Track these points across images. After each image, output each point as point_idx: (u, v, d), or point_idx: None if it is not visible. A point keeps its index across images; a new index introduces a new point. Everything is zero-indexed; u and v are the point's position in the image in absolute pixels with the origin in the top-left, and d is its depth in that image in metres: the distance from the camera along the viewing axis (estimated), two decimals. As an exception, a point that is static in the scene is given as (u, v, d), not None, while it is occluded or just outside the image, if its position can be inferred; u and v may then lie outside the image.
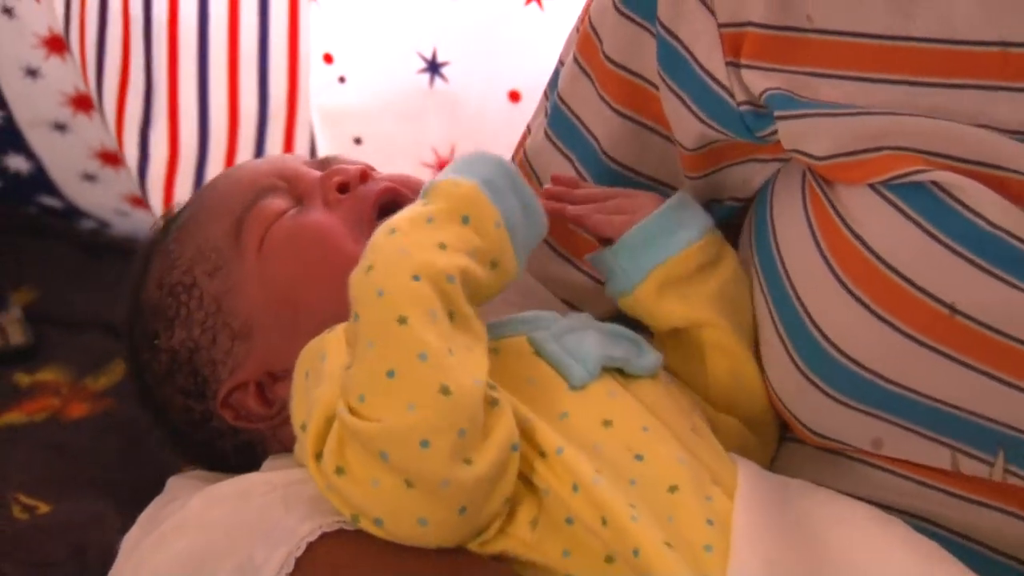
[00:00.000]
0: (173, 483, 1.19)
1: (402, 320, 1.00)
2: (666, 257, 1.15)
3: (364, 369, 1.01)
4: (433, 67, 2.23)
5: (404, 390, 0.99)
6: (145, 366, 1.21)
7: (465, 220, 1.06)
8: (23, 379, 2.04)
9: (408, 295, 1.01)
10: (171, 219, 1.25)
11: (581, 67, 1.25)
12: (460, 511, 1.00)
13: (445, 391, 0.98)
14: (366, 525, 1.02)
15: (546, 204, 1.15)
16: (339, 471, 1.00)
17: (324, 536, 1.04)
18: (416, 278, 1.01)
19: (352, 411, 0.99)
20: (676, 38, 1.17)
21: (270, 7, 2.25)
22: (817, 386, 1.11)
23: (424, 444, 0.97)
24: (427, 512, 1.00)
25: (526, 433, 1.04)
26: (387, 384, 0.99)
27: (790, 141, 1.13)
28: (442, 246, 1.03)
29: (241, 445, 1.18)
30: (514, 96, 2.24)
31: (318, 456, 1.02)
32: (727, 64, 1.15)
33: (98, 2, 2.30)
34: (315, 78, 2.29)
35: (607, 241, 1.18)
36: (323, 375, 1.05)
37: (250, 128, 2.31)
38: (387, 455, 0.97)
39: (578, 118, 1.24)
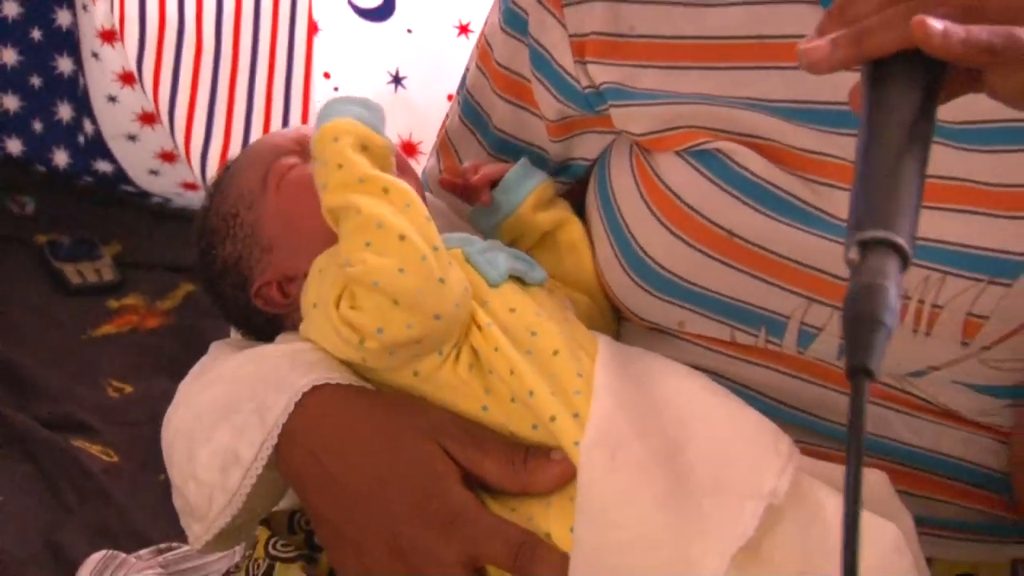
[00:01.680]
0: (214, 346, 1.19)
1: (358, 211, 1.05)
2: (533, 186, 1.17)
3: (349, 245, 1.04)
4: (396, 80, 2.28)
5: (387, 247, 1.03)
6: (208, 267, 1.20)
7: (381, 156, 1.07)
8: (113, 304, 2.17)
9: (353, 203, 1.05)
10: (225, 170, 1.22)
11: (480, 69, 1.23)
12: (435, 317, 1.03)
13: (402, 238, 1.02)
14: (370, 342, 1.04)
15: (460, 174, 1.18)
16: (352, 307, 1.03)
17: (316, 387, 1.04)
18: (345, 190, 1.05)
19: (348, 265, 1.02)
20: (541, 46, 1.16)
21: (295, 41, 2.27)
22: (639, 285, 1.11)
23: (401, 272, 1.01)
24: (411, 319, 1.02)
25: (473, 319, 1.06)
26: (363, 251, 1.02)
27: (619, 123, 1.13)
28: (386, 191, 1.05)
29: (267, 321, 1.16)
30: (450, 98, 2.27)
31: (337, 305, 1.05)
32: (575, 62, 1.14)
33: (175, 38, 2.30)
34: (318, 88, 2.34)
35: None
36: (326, 274, 1.08)
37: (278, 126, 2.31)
38: (378, 283, 1.02)
39: (479, 104, 1.24)
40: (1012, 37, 0.76)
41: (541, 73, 1.15)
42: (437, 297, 1.02)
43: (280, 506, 1.16)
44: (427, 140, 2.16)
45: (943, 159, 0.86)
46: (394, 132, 2.16)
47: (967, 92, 0.83)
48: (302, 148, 1.17)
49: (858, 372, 0.67)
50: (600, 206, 1.14)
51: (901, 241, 0.72)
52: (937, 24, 0.75)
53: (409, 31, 2.22)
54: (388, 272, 1.02)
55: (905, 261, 0.71)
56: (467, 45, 2.08)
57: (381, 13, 2.22)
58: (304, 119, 2.35)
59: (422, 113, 2.21)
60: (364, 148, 1.07)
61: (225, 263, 1.17)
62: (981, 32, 0.76)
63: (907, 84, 0.80)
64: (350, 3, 2.23)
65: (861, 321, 0.70)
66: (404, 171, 1.13)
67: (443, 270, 1.03)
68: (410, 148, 2.19)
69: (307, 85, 2.31)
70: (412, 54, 2.24)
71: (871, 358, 0.68)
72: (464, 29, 2.17)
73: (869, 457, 0.96)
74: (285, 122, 2.33)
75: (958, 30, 0.75)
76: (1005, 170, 0.99)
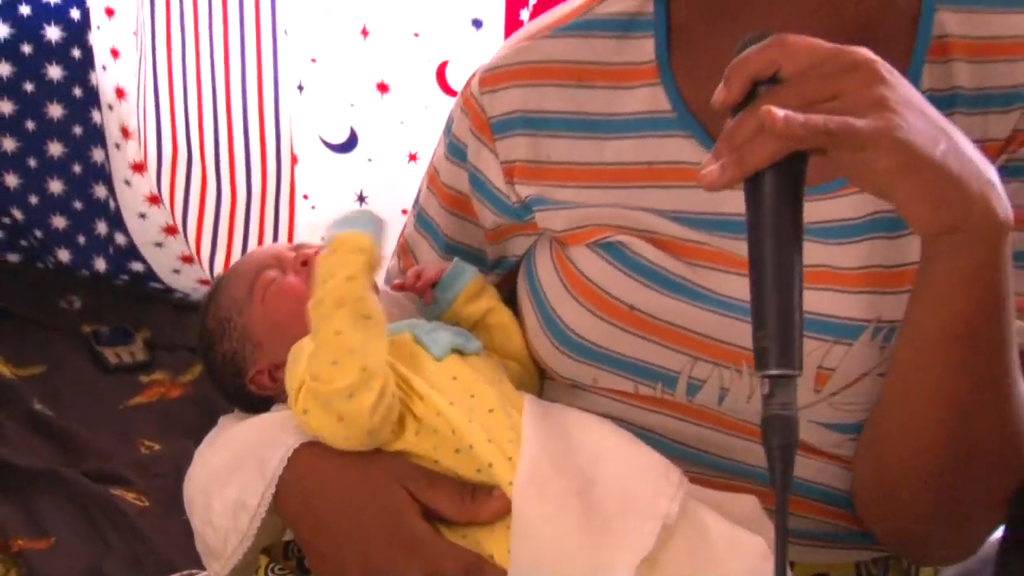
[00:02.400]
0: (223, 419, 1.17)
1: (338, 332, 1.03)
2: (464, 284, 1.16)
3: (318, 359, 1.02)
4: (360, 199, 2.25)
5: (348, 371, 1.01)
6: (210, 360, 1.18)
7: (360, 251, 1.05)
8: (144, 379, 2.16)
9: (340, 317, 1.03)
10: (218, 282, 1.22)
11: (430, 189, 1.22)
12: (368, 433, 1.02)
13: (363, 369, 1.01)
14: (319, 438, 1.04)
15: (411, 278, 1.17)
16: (305, 412, 1.03)
17: (303, 445, 1.05)
18: (340, 304, 1.03)
19: (313, 379, 1.01)
20: (479, 171, 1.15)
21: (281, 169, 2.29)
22: (559, 350, 1.10)
23: (351, 396, 1.00)
24: (349, 433, 1.02)
25: (409, 383, 1.05)
26: (330, 368, 1.01)
27: (542, 223, 1.12)
28: (350, 278, 1.04)
29: (261, 400, 1.15)
30: (404, 212, 2.02)
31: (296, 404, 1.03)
32: (506, 183, 1.13)
33: (186, 169, 2.32)
34: (300, 206, 2.34)
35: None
36: (299, 362, 1.04)
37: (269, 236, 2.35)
38: (331, 403, 1.01)
39: (430, 216, 1.22)
40: (845, 122, 0.78)
41: (479, 192, 1.15)
42: (376, 422, 1.02)
43: (276, 538, 1.17)
44: (389, 247, 2.11)
45: (810, 251, 0.85)
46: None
47: (823, 180, 0.88)
48: (280, 263, 1.17)
49: (787, 487, 0.75)
50: (528, 289, 1.14)
51: (798, 372, 0.77)
52: (780, 112, 0.77)
53: (369, 160, 2.23)
54: (341, 395, 1.01)
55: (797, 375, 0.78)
56: (416, 169, 2.16)
57: (347, 147, 2.23)
58: (290, 230, 2.34)
59: (384, 224, 2.18)
60: (372, 268, 1.07)
61: (223, 358, 1.17)
62: (818, 118, 0.78)
63: (778, 180, 0.81)
64: (322, 139, 2.23)
65: (784, 448, 0.76)
66: None
67: (386, 397, 1.02)
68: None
69: (292, 203, 2.32)
70: (372, 178, 2.24)
71: (791, 477, 0.75)
72: (413, 157, 2.18)
73: (743, 484, 1.01)
74: (276, 233, 2.33)
75: (798, 116, 0.77)
76: (851, 257, 1.00)
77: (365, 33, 2.11)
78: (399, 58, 2.10)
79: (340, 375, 1.01)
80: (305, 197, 2.30)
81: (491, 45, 1.99)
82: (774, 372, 0.78)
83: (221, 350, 1.17)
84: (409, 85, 2.11)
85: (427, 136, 2.14)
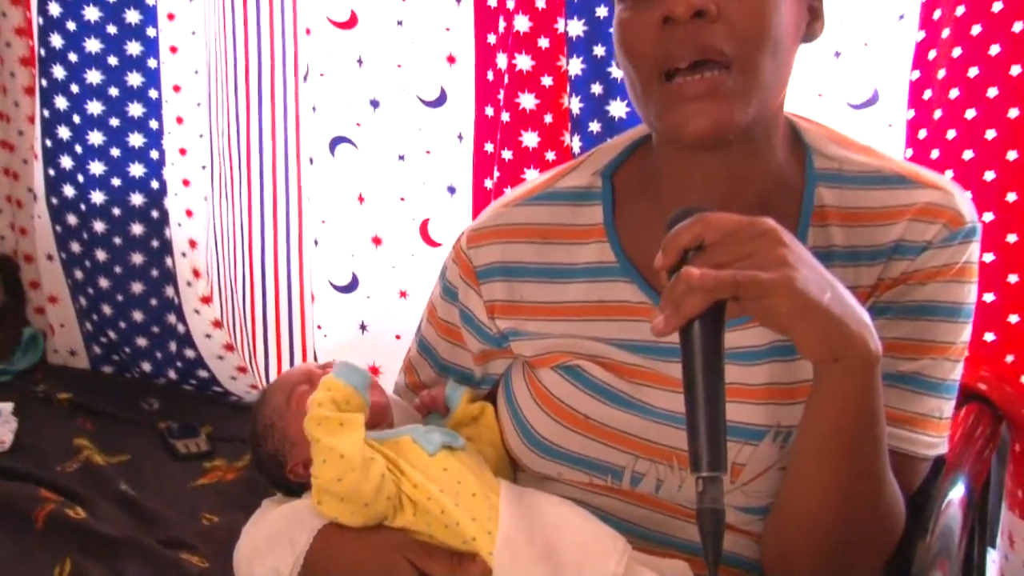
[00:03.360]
0: (265, 502, 1.15)
1: (318, 441, 1.02)
2: (461, 395, 1.13)
3: (314, 463, 1.01)
4: (363, 327, 2.17)
5: (332, 463, 1.00)
6: (258, 455, 1.17)
7: (347, 402, 1.06)
8: (207, 465, 2.11)
9: (319, 433, 1.03)
10: (264, 394, 1.20)
11: (429, 322, 1.18)
12: (365, 505, 1.00)
13: (341, 457, 1.00)
14: (334, 519, 1.03)
15: (429, 402, 1.15)
16: (319, 503, 1.01)
17: (324, 527, 1.03)
18: (318, 424, 1.03)
19: (315, 477, 1.01)
20: (467, 308, 1.12)
21: (304, 307, 2.27)
22: (529, 449, 1.08)
23: (339, 480, 0.99)
24: (352, 507, 1.01)
25: (407, 475, 1.04)
26: (322, 466, 1.00)
27: (516, 351, 1.10)
28: (320, 404, 1.04)
29: (297, 485, 1.13)
30: (398, 337, 2.17)
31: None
32: (488, 318, 1.11)
33: (243, 306, 2.29)
34: (316, 335, 2.30)
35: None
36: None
37: (298, 357, 2.34)
38: (329, 490, 1.00)
39: (429, 343, 1.18)
40: (753, 275, 0.79)
41: (467, 325, 1.13)
42: (363, 492, 1.00)
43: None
44: (386, 365, 2.15)
45: (728, 371, 0.85)
46: (364, 358, 2.18)
47: (736, 316, 0.84)
48: (310, 379, 1.14)
49: (717, 562, 0.77)
50: (506, 401, 1.12)
51: (724, 473, 0.78)
52: (697, 272, 0.79)
53: (368, 297, 2.20)
54: (333, 482, 1.00)
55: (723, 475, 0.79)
56: (406, 304, 2.15)
57: (350, 288, 2.20)
58: (303, 352, 2.32)
59: (382, 347, 2.17)
60: (347, 400, 1.06)
61: (268, 454, 1.15)
62: (728, 273, 0.79)
63: (705, 321, 0.81)
64: (330, 283, 2.22)
65: (716, 536, 0.78)
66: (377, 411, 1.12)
67: (366, 474, 1.01)
68: (374, 369, 2.14)
69: (303, 333, 2.31)
70: (371, 312, 2.21)
71: (720, 555, 0.78)
72: (403, 294, 2.15)
73: (675, 553, 1.01)
74: (301, 353, 2.31)
75: (711, 272, 0.79)
76: (756, 376, 0.99)
77: (361, 199, 2.10)
78: (390, 217, 2.09)
79: (329, 469, 1.01)
80: (319, 327, 2.28)
81: (463, 206, 2.01)
82: (706, 474, 0.78)
83: (266, 448, 1.16)
84: (398, 238, 2.11)
85: (414, 278, 2.13)
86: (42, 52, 2.28)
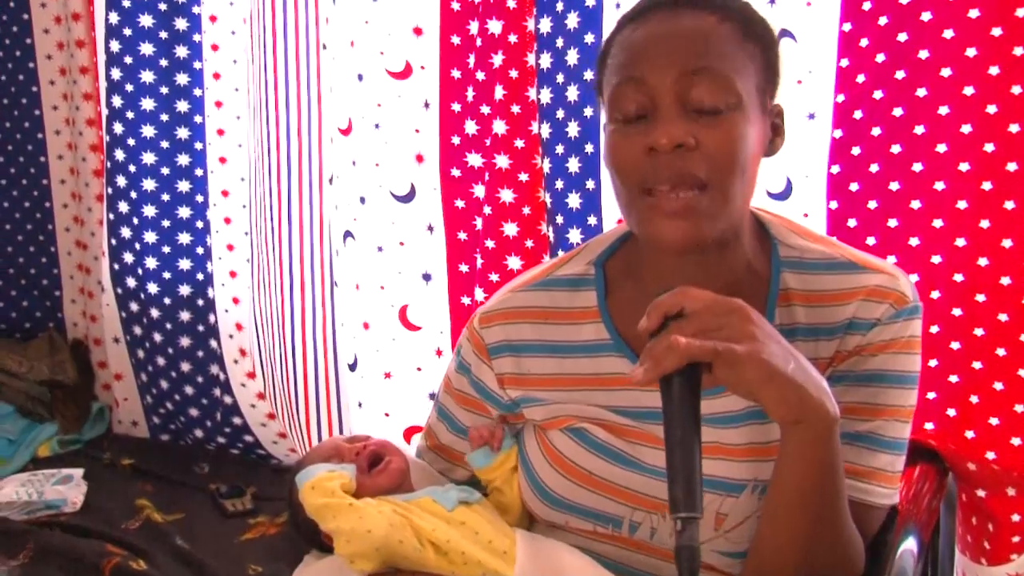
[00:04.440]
0: (307, 557, 1.14)
1: (323, 520, 1.01)
2: (495, 458, 1.10)
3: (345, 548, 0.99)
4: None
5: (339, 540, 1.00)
6: (295, 520, 1.16)
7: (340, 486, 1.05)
8: (252, 521, 2.07)
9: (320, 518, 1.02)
10: (298, 465, 1.18)
11: (447, 392, 1.16)
12: (376, 549, 0.98)
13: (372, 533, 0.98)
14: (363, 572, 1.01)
15: (487, 436, 1.12)
16: (352, 562, 0.99)
17: None
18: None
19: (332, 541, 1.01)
20: (480, 380, 1.11)
21: (340, 383, 2.23)
22: (541, 501, 1.06)
23: (348, 542, 0.99)
24: (361, 550, 0.98)
25: (425, 530, 1.01)
26: (338, 537, 1.00)
27: (527, 416, 1.09)
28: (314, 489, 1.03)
29: (330, 547, 1.05)
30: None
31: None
32: (500, 388, 1.10)
33: (280, 375, 2.26)
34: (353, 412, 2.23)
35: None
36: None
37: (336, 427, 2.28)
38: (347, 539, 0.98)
39: (448, 410, 1.16)
40: (728, 346, 0.80)
41: (480, 394, 1.13)
42: (370, 538, 0.99)
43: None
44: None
45: (708, 433, 0.86)
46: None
47: (713, 385, 0.84)
48: (339, 453, 1.14)
49: None
50: (520, 460, 1.11)
51: (699, 515, 0.78)
52: (681, 338, 0.81)
53: (362, 377, 2.17)
54: (353, 554, 1.00)
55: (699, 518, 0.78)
56: (390, 383, 2.12)
57: (353, 367, 2.17)
58: (330, 425, 2.27)
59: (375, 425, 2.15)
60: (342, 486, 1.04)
61: (304, 520, 1.12)
62: (711, 343, 0.80)
63: (683, 382, 0.82)
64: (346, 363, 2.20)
65: (692, 571, 0.76)
66: (380, 472, 1.10)
67: (370, 525, 0.99)
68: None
69: (307, 410, 2.28)
70: (365, 391, 2.18)
71: None
72: (388, 375, 2.11)
73: None
74: (340, 427, 2.27)
75: (694, 340, 0.81)
76: (735, 436, 0.98)
77: (358, 287, 2.10)
78: (374, 304, 2.08)
79: (340, 543, 1.00)
80: (359, 404, 2.25)
81: (438, 292, 1.99)
82: (683, 515, 0.78)
83: (302, 516, 1.13)
84: (382, 324, 2.08)
85: (396, 359, 2.10)
86: (108, 164, 2.31)
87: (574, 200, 1.72)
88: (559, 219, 1.74)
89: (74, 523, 2.01)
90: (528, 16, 1.70)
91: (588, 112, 1.69)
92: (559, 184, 1.73)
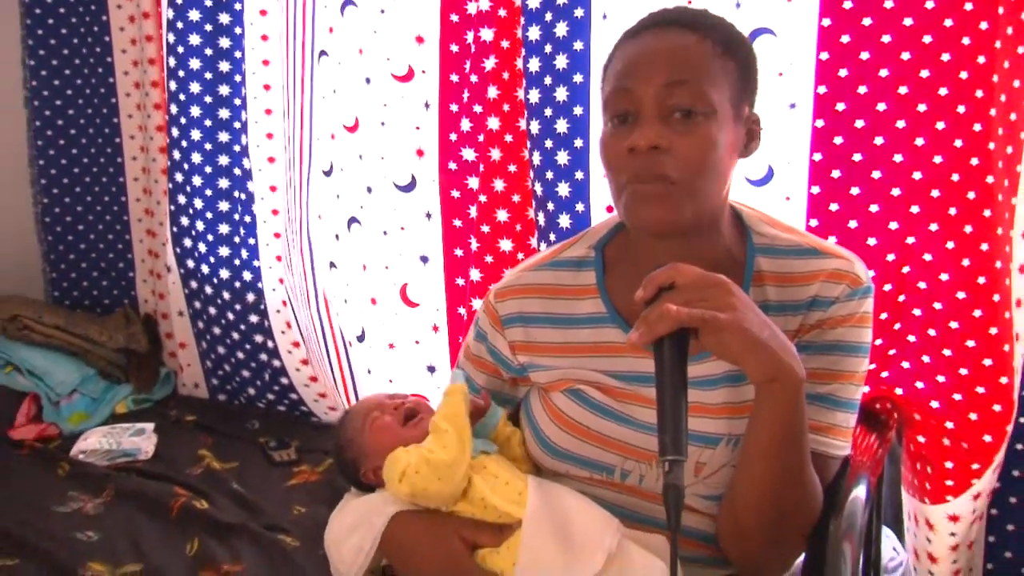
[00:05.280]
0: (347, 495, 1.14)
1: (441, 433, 1.00)
2: (501, 414, 1.10)
3: (442, 452, 0.99)
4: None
5: (445, 451, 0.99)
6: (339, 461, 1.15)
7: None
8: (296, 469, 2.07)
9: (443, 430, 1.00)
10: (344, 417, 1.18)
11: (466, 356, 1.15)
12: (451, 497, 0.99)
13: (439, 462, 0.99)
14: (415, 499, 1.01)
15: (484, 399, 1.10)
16: (416, 472, 0.98)
17: (397, 513, 1.02)
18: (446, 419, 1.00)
19: (429, 452, 0.99)
20: (495, 347, 1.10)
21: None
22: (544, 452, 1.05)
23: (449, 467, 0.98)
24: (438, 491, 0.99)
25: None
26: (441, 450, 0.99)
27: (533, 378, 1.08)
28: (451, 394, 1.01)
29: (368, 486, 1.11)
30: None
31: (400, 479, 1.01)
32: (512, 354, 1.09)
33: (323, 354, 2.32)
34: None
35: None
36: (396, 462, 1.02)
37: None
38: (437, 470, 0.98)
39: (467, 373, 1.13)
40: (714, 315, 0.82)
41: (495, 359, 1.13)
42: (455, 483, 1.00)
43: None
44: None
45: (689, 394, 0.87)
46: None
47: (698, 351, 0.87)
48: (380, 408, 1.14)
49: (677, 529, 0.78)
50: (526, 417, 1.12)
51: (684, 458, 0.80)
52: (673, 306, 0.82)
53: (371, 347, 2.16)
54: (442, 463, 1.00)
55: (684, 461, 0.80)
56: (394, 353, 2.11)
57: (361, 338, 2.15)
58: (345, 390, 2.26)
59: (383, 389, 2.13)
60: (465, 396, 1.04)
61: (348, 461, 1.14)
62: (697, 311, 0.82)
63: (673, 344, 0.83)
64: (343, 336, 2.19)
65: (677, 500, 0.78)
66: (415, 426, 1.11)
67: (457, 468, 1.00)
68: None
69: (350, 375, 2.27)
70: (373, 360, 2.17)
71: (679, 519, 0.78)
72: (392, 346, 2.12)
73: (654, 529, 1.00)
74: (355, 391, 2.27)
75: (684, 308, 0.82)
76: (714, 397, 0.99)
77: (364, 267, 2.10)
78: (379, 283, 2.08)
79: (445, 454, 1.00)
80: (368, 372, 2.25)
81: (435, 273, 1.99)
82: (671, 458, 0.80)
83: (346, 457, 1.15)
84: (386, 301, 2.08)
85: (398, 333, 2.10)
86: (169, 163, 2.32)
87: (564, 189, 1.69)
88: (550, 206, 1.71)
89: (147, 469, 2.04)
90: (517, 25, 1.68)
91: (578, 111, 1.65)
92: (549, 175, 1.70)
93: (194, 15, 2.17)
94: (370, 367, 2.16)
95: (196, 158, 2.30)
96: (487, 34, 1.71)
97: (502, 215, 1.77)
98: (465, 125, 1.80)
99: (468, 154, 1.82)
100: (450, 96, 1.83)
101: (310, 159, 2.08)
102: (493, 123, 1.73)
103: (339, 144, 2.03)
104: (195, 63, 2.21)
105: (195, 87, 2.22)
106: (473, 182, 1.82)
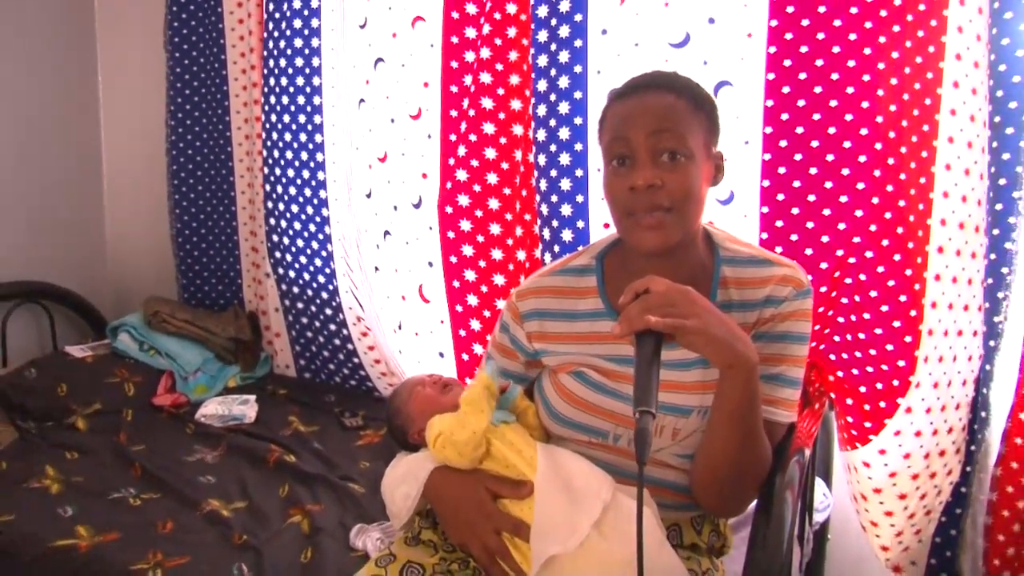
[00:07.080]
0: (399, 455, 1.11)
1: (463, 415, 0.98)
2: (519, 391, 1.07)
3: (455, 427, 0.98)
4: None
5: (458, 436, 0.98)
6: (391, 427, 1.15)
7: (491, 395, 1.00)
8: (362, 433, 2.03)
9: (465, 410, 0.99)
10: (395, 392, 1.18)
11: (492, 344, 1.11)
12: (472, 456, 0.97)
13: (457, 441, 0.97)
14: (447, 462, 0.99)
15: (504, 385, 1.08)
16: (443, 448, 0.98)
17: (435, 469, 1.01)
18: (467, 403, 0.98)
19: (450, 432, 0.98)
20: (516, 337, 1.07)
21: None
22: (552, 421, 1.03)
23: (466, 444, 0.97)
24: (459, 459, 0.98)
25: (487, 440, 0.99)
26: (460, 429, 0.98)
27: (545, 362, 1.06)
28: (482, 411, 0.98)
29: (415, 446, 1.10)
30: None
31: (433, 444, 1.00)
32: (528, 343, 1.06)
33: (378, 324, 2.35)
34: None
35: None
36: (434, 428, 1.01)
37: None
38: (456, 446, 0.97)
39: (492, 356, 1.11)
40: (681, 322, 0.81)
41: (515, 347, 1.13)
42: (471, 450, 0.98)
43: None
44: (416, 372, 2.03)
45: (668, 374, 0.85)
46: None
47: (674, 344, 0.85)
48: (423, 384, 1.14)
49: (643, 464, 0.77)
50: (539, 393, 1.10)
51: (653, 410, 0.79)
52: (652, 317, 0.82)
53: (395, 331, 2.14)
54: (460, 441, 0.99)
55: (654, 415, 0.79)
56: (415, 338, 2.09)
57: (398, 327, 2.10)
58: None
59: (409, 368, 2.13)
60: (487, 387, 1.02)
61: (397, 426, 1.14)
62: (668, 320, 0.81)
63: (649, 341, 0.83)
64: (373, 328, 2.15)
65: (643, 441, 0.77)
66: (448, 393, 1.11)
67: (477, 438, 0.98)
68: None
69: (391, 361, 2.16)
70: (404, 343, 2.16)
71: (647, 452, 0.77)
72: (417, 334, 2.11)
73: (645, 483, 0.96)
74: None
75: (659, 318, 0.82)
76: (688, 376, 0.98)
77: (396, 271, 2.10)
78: (406, 284, 2.08)
79: (462, 434, 0.99)
80: (400, 352, 2.21)
81: (438, 277, 1.97)
82: (641, 408, 0.78)
83: (396, 423, 1.15)
84: (411, 298, 2.08)
85: (419, 324, 2.05)
86: (267, 187, 2.30)
87: (567, 209, 1.68)
88: (554, 223, 1.68)
89: (250, 430, 2.03)
90: (513, 72, 1.66)
91: (579, 147, 1.63)
92: (554, 198, 1.68)
93: (287, 76, 2.20)
94: (402, 349, 2.16)
95: (289, 191, 2.30)
96: (485, 77, 1.70)
97: (495, 228, 1.77)
98: (461, 151, 1.77)
99: (461, 175, 1.78)
100: (449, 127, 1.81)
101: (355, 185, 2.09)
102: (490, 153, 1.73)
103: (375, 172, 2.06)
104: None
105: (287, 148, 2.18)
106: (463, 200, 1.79)
